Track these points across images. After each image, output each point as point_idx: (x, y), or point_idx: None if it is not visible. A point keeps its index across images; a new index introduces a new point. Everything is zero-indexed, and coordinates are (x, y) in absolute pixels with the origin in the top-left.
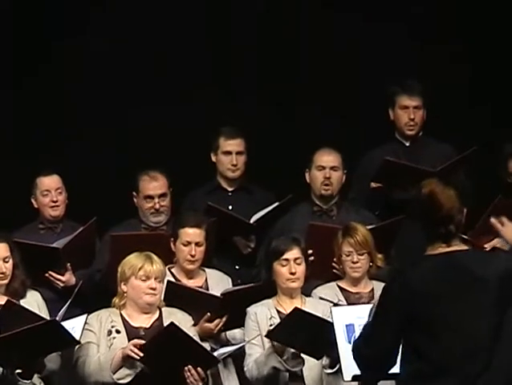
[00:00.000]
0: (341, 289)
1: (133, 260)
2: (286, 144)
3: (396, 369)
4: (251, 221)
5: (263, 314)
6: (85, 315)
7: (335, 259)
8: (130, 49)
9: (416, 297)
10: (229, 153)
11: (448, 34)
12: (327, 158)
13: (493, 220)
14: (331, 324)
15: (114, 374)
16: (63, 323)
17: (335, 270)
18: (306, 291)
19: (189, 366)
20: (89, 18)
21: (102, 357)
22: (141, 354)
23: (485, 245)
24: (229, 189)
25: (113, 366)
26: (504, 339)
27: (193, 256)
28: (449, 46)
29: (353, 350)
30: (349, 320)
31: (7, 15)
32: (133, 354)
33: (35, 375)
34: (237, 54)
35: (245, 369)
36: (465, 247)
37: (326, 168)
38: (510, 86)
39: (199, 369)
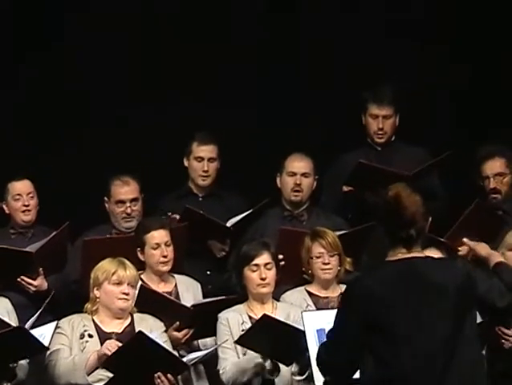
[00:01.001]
0: (310, 293)
1: (106, 265)
2: (286, 144)
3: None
4: (228, 225)
5: (235, 320)
6: (55, 322)
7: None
8: (130, 49)
9: (374, 302)
10: (201, 159)
11: (448, 34)
12: (298, 164)
13: (465, 240)
14: (300, 331)
15: (88, 375)
16: (33, 330)
17: (304, 275)
18: (276, 296)
19: (159, 373)
20: (89, 18)
21: (76, 357)
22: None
23: (460, 248)
24: (200, 195)
25: (88, 366)
26: (462, 346)
27: (165, 256)
28: (449, 46)
29: (317, 358)
30: (320, 325)
31: (7, 15)
32: (108, 352)
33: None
34: (237, 54)
35: (220, 372)
36: (424, 254)
37: (297, 174)
38: (510, 85)
39: (169, 375)
